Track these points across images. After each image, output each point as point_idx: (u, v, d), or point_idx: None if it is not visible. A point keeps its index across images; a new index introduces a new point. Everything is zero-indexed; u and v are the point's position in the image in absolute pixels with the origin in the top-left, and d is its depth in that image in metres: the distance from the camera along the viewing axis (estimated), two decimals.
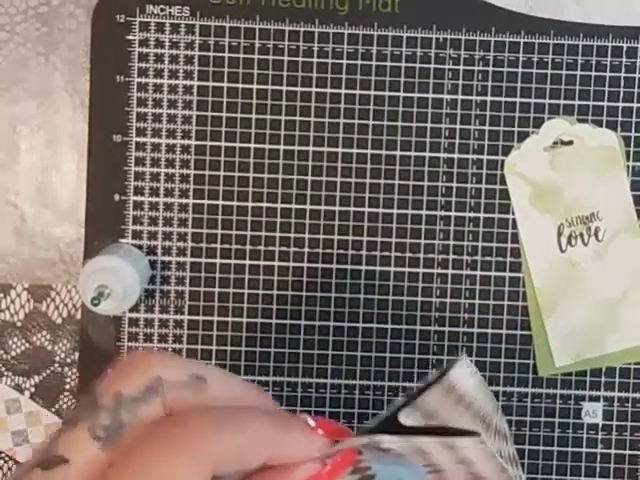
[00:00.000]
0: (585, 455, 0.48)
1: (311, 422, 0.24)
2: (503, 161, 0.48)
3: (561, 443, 0.49)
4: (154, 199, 0.48)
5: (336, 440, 0.24)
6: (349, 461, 0.25)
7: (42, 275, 0.48)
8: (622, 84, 0.48)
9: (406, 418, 0.25)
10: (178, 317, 0.48)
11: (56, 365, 0.49)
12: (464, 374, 0.27)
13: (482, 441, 0.25)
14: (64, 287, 0.48)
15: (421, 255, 0.48)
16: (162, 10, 0.47)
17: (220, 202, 0.48)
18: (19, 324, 0.48)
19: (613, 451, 0.49)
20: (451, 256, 0.48)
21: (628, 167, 0.48)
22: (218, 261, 0.48)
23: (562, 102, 0.48)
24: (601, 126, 0.48)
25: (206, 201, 0.48)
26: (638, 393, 0.48)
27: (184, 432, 0.21)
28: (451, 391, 0.26)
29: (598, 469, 0.49)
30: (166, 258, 0.48)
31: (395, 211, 0.48)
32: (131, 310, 0.48)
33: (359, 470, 0.26)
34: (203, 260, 0.48)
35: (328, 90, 0.48)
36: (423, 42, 0.48)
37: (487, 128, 0.48)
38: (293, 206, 0.48)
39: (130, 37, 0.47)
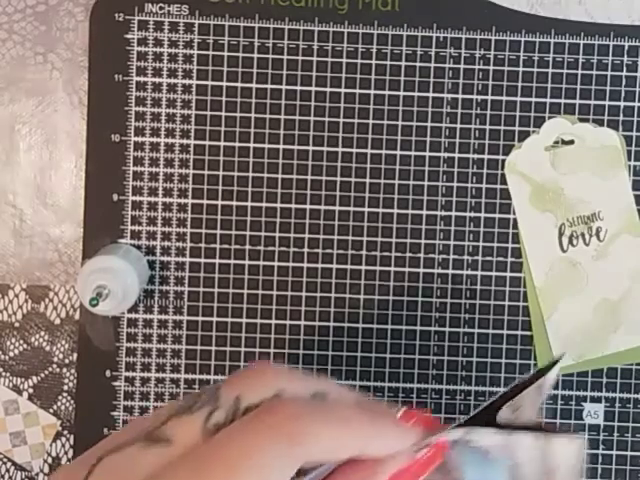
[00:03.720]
0: (586, 456, 0.48)
1: (401, 410, 0.24)
2: (504, 160, 0.48)
3: None
4: (153, 199, 0.48)
5: (429, 433, 0.24)
6: (440, 455, 0.24)
7: (40, 275, 0.48)
8: (623, 83, 0.48)
9: (502, 417, 0.25)
10: (177, 317, 0.48)
11: (54, 366, 0.48)
12: (553, 377, 0.27)
13: (578, 440, 0.25)
14: (62, 287, 0.48)
15: (421, 255, 0.48)
16: (161, 9, 0.47)
17: (219, 202, 0.48)
18: (17, 325, 0.48)
19: (615, 452, 0.48)
20: (452, 256, 0.48)
21: (629, 167, 0.48)
22: (217, 261, 0.48)
23: (563, 101, 0.48)
24: (602, 125, 0.48)
25: (205, 201, 0.48)
26: None
27: (278, 418, 0.21)
28: (539, 392, 0.26)
29: (600, 470, 0.48)
30: (165, 258, 0.48)
31: (395, 211, 0.48)
32: (130, 310, 0.48)
33: (444, 469, 0.25)
34: (202, 260, 0.48)
35: (328, 89, 0.48)
36: (423, 41, 0.47)
37: (488, 127, 0.48)
38: (293, 206, 0.48)
39: (129, 36, 0.47)
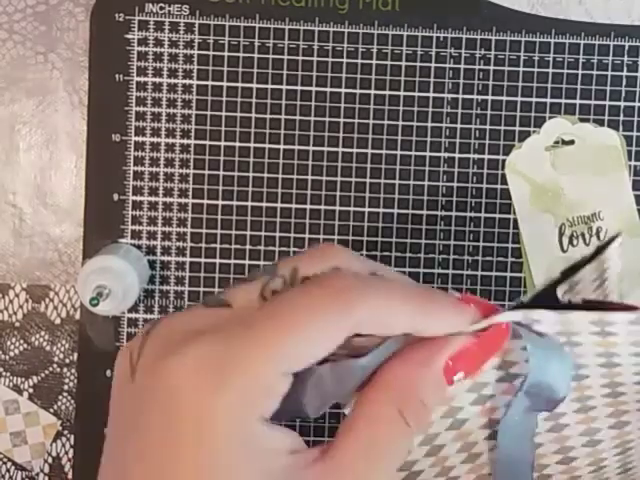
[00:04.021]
0: None
1: (457, 295, 0.23)
2: (504, 160, 0.48)
3: None
4: (153, 199, 0.48)
5: (487, 316, 0.23)
6: (502, 338, 0.23)
7: (41, 275, 0.48)
8: (624, 83, 0.47)
9: (563, 292, 0.24)
10: None
11: (55, 366, 0.48)
12: (615, 254, 0.26)
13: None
14: (63, 287, 0.48)
15: (422, 255, 0.48)
16: (161, 9, 0.47)
17: (219, 202, 0.48)
18: (17, 324, 0.48)
19: None
20: (452, 256, 0.48)
21: (630, 167, 0.48)
22: (217, 261, 0.48)
23: (563, 101, 0.48)
24: (603, 125, 0.47)
25: (205, 201, 0.48)
26: None
27: (334, 284, 0.22)
28: (601, 271, 0.26)
29: None
30: (165, 258, 0.48)
31: (396, 211, 0.48)
32: (130, 310, 0.48)
33: (505, 365, 0.24)
34: (202, 260, 0.48)
35: (328, 89, 0.47)
36: (424, 41, 0.47)
37: (488, 127, 0.48)
38: (293, 206, 0.48)
39: (129, 36, 0.47)
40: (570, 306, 0.23)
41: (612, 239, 0.26)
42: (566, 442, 0.27)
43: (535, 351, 0.23)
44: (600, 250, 0.26)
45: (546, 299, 0.24)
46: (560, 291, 0.24)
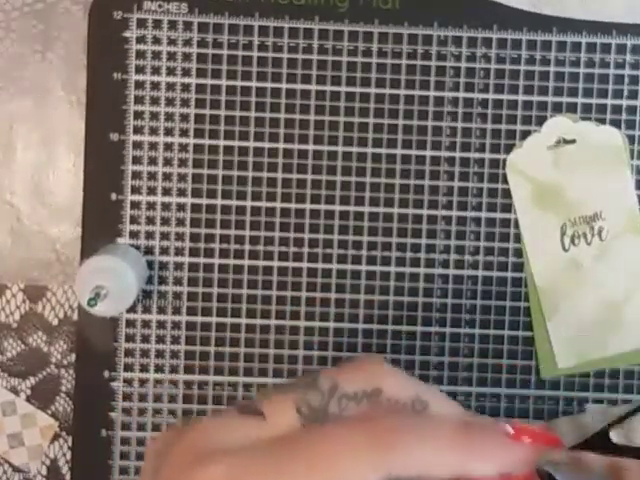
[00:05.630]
0: None
1: (510, 430, 0.23)
2: (505, 160, 0.47)
3: None
4: (152, 198, 0.47)
5: (542, 452, 0.22)
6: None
7: (38, 275, 0.48)
8: (626, 81, 0.47)
9: (617, 436, 0.24)
10: (176, 318, 0.48)
11: (52, 367, 0.48)
12: None
13: None
14: (60, 288, 0.48)
15: (422, 255, 0.48)
16: (160, 7, 0.47)
17: (219, 201, 0.47)
18: (14, 325, 0.48)
19: None
20: (452, 256, 0.48)
21: (632, 166, 0.47)
22: (216, 261, 0.48)
23: (565, 100, 0.47)
24: (604, 124, 0.47)
25: (204, 200, 0.47)
26: None
27: (374, 426, 0.21)
28: None
29: None
30: (164, 258, 0.48)
31: (396, 210, 0.48)
32: (128, 311, 0.47)
33: None
34: (201, 260, 0.48)
35: (328, 88, 0.47)
36: (424, 39, 0.47)
37: (489, 126, 0.47)
38: (292, 205, 0.47)
39: (127, 34, 0.47)
40: (622, 451, 0.23)
41: None
42: None
43: None
44: None
45: (600, 441, 0.24)
46: (614, 434, 0.24)
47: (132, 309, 0.47)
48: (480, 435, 0.23)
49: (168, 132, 0.47)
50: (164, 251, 0.48)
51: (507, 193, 0.48)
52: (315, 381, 0.23)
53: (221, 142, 0.47)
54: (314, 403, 0.22)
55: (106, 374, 0.47)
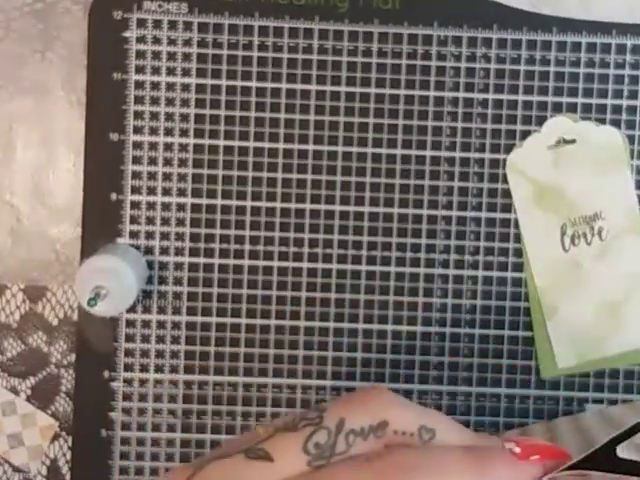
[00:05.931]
0: None
1: (516, 449, 0.23)
2: (505, 160, 0.47)
3: None
4: (152, 198, 0.47)
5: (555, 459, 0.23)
6: None
7: (38, 276, 0.48)
8: (626, 81, 0.47)
9: (624, 452, 0.24)
10: (176, 318, 0.48)
11: (52, 367, 0.48)
12: None
13: None
14: (60, 288, 0.48)
15: (422, 255, 0.48)
16: (160, 7, 0.47)
17: (219, 201, 0.47)
18: (14, 325, 0.48)
19: None
20: (452, 256, 0.48)
21: (632, 166, 0.47)
22: (216, 261, 0.47)
23: (565, 100, 0.47)
24: (605, 124, 0.47)
25: (204, 200, 0.47)
26: None
27: (384, 465, 0.22)
28: None
29: None
30: (164, 258, 0.47)
31: (396, 210, 0.48)
32: (128, 311, 0.47)
33: None
34: (201, 260, 0.47)
35: (328, 88, 0.47)
36: (424, 39, 0.47)
37: (489, 126, 0.47)
38: (292, 205, 0.47)
39: (127, 34, 0.47)
40: (630, 466, 0.23)
41: None
42: None
43: None
44: None
45: (605, 457, 0.24)
46: (621, 450, 0.24)
47: (132, 309, 0.47)
48: (488, 460, 0.23)
49: (168, 132, 0.47)
50: (164, 251, 0.48)
51: (507, 193, 0.48)
52: (322, 417, 0.23)
53: (221, 142, 0.47)
54: (320, 441, 0.22)
55: (106, 374, 0.47)
